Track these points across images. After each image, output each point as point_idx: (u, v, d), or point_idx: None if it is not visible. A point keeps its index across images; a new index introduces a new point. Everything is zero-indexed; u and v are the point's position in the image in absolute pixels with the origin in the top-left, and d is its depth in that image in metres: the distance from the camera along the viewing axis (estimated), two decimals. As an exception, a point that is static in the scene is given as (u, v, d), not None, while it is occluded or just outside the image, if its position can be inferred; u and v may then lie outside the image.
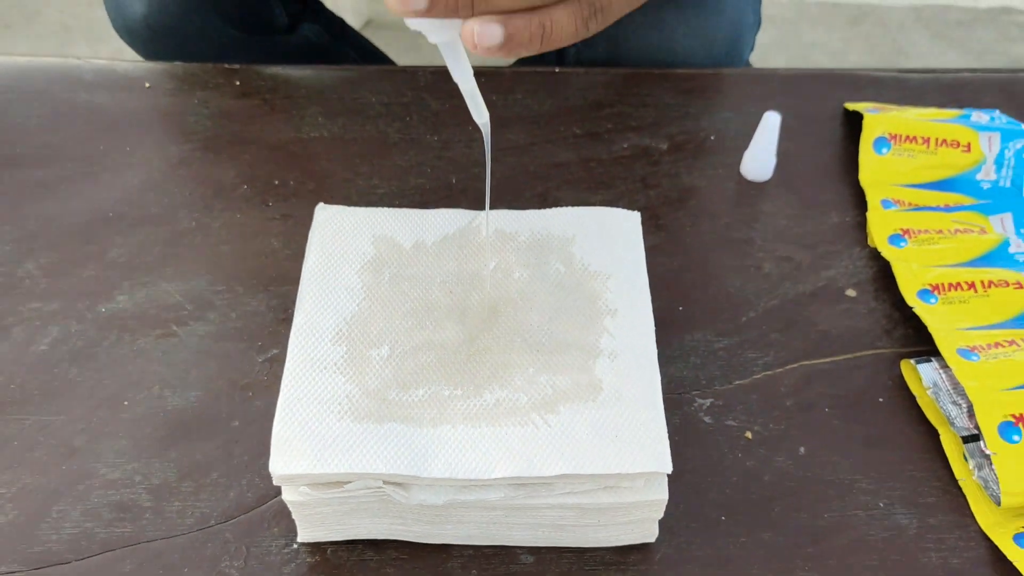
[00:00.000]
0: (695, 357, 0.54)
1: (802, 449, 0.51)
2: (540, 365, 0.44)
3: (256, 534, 0.46)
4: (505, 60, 0.40)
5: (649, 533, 0.45)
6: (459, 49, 0.38)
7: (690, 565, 0.46)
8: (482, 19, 0.35)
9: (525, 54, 0.37)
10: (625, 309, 0.47)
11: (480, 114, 0.42)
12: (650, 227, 0.61)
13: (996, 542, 0.47)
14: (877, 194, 0.62)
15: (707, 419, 0.52)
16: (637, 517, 0.43)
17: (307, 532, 0.44)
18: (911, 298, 0.56)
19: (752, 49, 0.83)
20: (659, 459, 0.41)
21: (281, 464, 0.41)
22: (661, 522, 0.47)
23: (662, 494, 0.42)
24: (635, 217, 0.51)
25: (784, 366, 0.54)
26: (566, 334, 0.46)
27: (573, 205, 0.60)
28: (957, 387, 0.51)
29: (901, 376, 0.54)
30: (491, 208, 0.49)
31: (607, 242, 0.49)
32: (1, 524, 0.46)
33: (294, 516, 0.44)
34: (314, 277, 0.47)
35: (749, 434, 0.51)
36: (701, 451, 0.50)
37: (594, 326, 0.46)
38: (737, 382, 0.54)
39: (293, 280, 0.56)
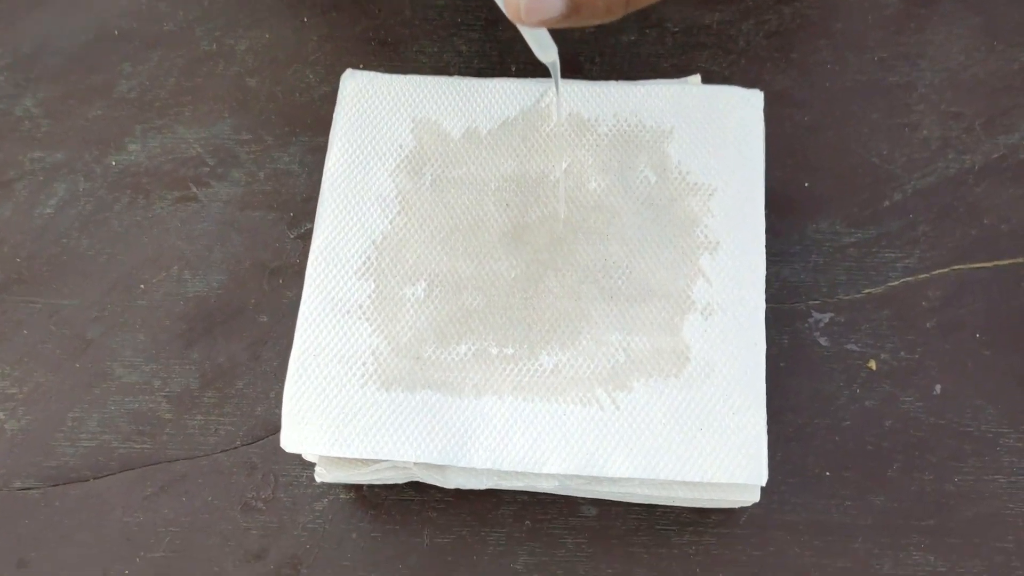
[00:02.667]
0: (817, 255, 0.44)
1: (938, 387, 0.41)
2: (613, 319, 0.35)
3: (285, 461, 0.41)
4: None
5: (744, 501, 0.38)
6: None
7: (780, 532, 0.39)
8: None
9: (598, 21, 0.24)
10: (730, 242, 0.36)
11: (546, 53, 0.29)
12: (779, 63, 0.47)
13: None
14: (1098, 23, 0.46)
15: (823, 340, 0.42)
16: (715, 502, 0.36)
17: (327, 474, 0.38)
18: (1118, 191, 0.42)
19: None
20: (752, 468, 0.33)
21: (293, 441, 0.34)
22: (751, 475, 0.40)
23: (752, 496, 0.34)
24: (756, 99, 0.38)
25: (930, 271, 0.43)
26: (650, 275, 0.36)
27: (681, 26, 0.47)
28: None
29: (1083, 294, 0.42)
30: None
31: (715, 138, 0.37)
32: (15, 431, 0.42)
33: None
34: (338, 180, 0.38)
35: (873, 363, 0.42)
36: (810, 383, 0.42)
37: (687, 266, 0.36)
38: (867, 291, 0.43)
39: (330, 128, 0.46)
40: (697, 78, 0.40)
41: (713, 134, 0.37)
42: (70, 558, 0.40)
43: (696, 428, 0.33)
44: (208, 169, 0.46)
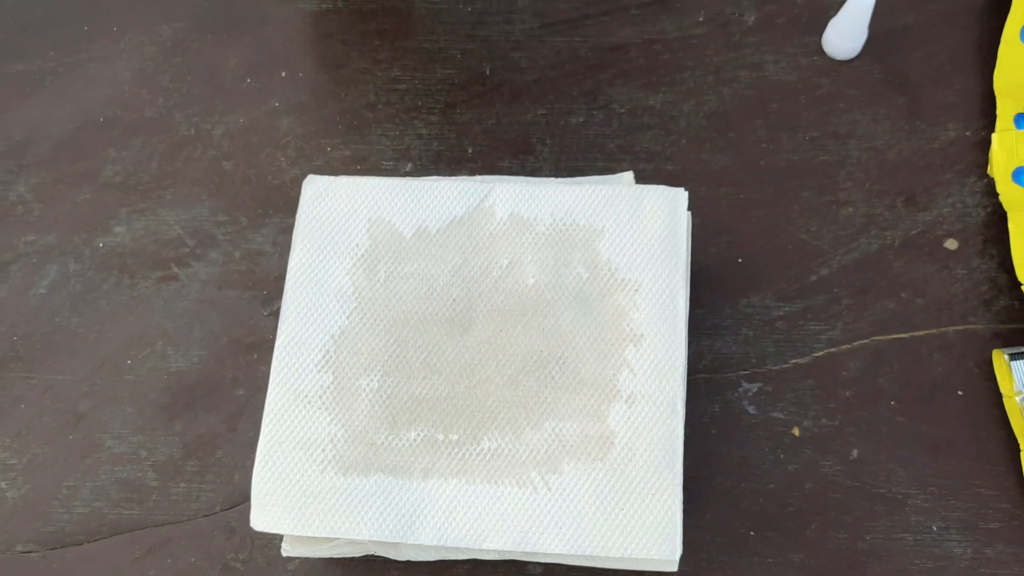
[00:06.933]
0: (748, 328, 0.47)
1: (855, 452, 0.45)
2: (547, 406, 0.39)
3: (260, 526, 0.45)
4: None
5: (666, 568, 0.42)
6: None
7: (707, 589, 0.43)
8: None
9: None
10: (653, 335, 0.40)
11: None
12: (718, 142, 0.51)
13: (1057, 588, 0.42)
14: (1012, 106, 0.49)
15: (751, 409, 0.46)
16: (644, 567, 0.40)
17: (292, 549, 0.41)
18: (1023, 269, 0.46)
19: None
20: (667, 544, 0.37)
21: (262, 522, 0.39)
22: (683, 534, 0.44)
23: (670, 568, 0.38)
24: (681, 198, 0.42)
25: (851, 342, 0.47)
26: (580, 366, 0.40)
27: (627, 107, 0.51)
28: (1053, 400, 0.44)
29: (991, 363, 0.46)
30: (507, 173, 0.41)
31: (642, 236, 0.41)
32: (15, 499, 0.46)
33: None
34: (300, 279, 0.42)
35: (797, 430, 0.46)
36: (739, 449, 0.45)
37: (613, 358, 0.40)
38: (794, 361, 0.47)
39: (301, 210, 0.50)
40: (630, 175, 0.44)
41: (640, 233, 0.41)
42: (67, 616, 0.44)
43: (619, 508, 0.37)
44: (188, 250, 0.50)
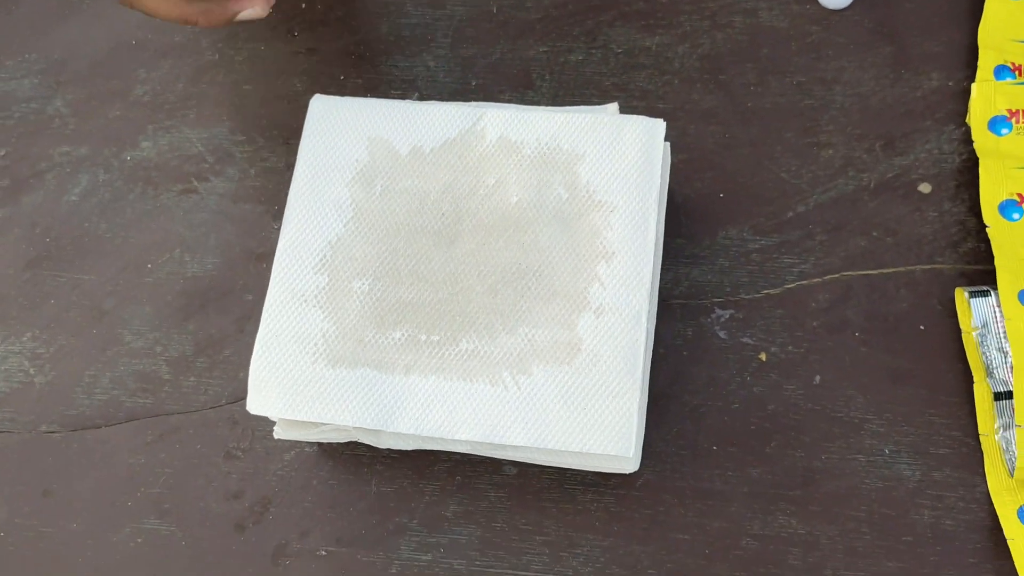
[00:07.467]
0: (724, 259, 0.50)
1: (818, 378, 0.48)
2: (522, 314, 0.42)
3: (261, 419, 0.49)
4: None
5: (625, 469, 0.45)
6: None
7: (668, 495, 0.47)
8: None
9: None
10: (624, 253, 0.43)
11: None
12: (709, 84, 0.53)
13: (998, 510, 0.45)
14: (995, 57, 0.51)
15: (722, 334, 0.49)
16: (606, 468, 0.43)
17: (283, 432, 0.45)
18: (990, 212, 0.48)
19: None
20: (622, 442, 0.40)
21: (256, 405, 0.42)
22: (649, 447, 0.47)
23: (629, 467, 0.42)
24: (658, 128, 0.45)
25: (822, 276, 0.50)
26: (555, 278, 0.43)
27: (624, 48, 0.54)
28: (1007, 335, 0.46)
29: (954, 301, 0.48)
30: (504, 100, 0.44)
31: (620, 162, 0.44)
32: (42, 384, 0.51)
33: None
34: (303, 189, 0.45)
35: (764, 355, 0.49)
36: (708, 370, 0.48)
37: (585, 271, 0.43)
38: (766, 291, 0.50)
39: (313, 133, 0.54)
40: (615, 106, 0.47)
41: (618, 158, 0.44)
42: (85, 491, 0.49)
43: (581, 407, 0.41)
44: (207, 166, 0.54)
